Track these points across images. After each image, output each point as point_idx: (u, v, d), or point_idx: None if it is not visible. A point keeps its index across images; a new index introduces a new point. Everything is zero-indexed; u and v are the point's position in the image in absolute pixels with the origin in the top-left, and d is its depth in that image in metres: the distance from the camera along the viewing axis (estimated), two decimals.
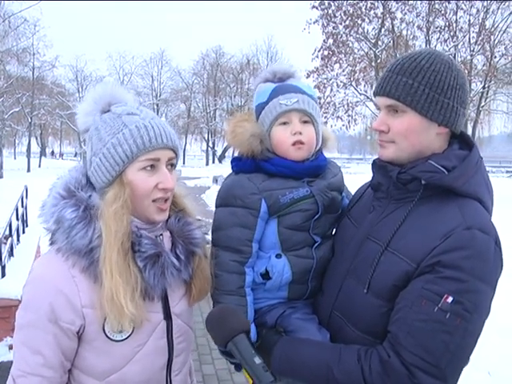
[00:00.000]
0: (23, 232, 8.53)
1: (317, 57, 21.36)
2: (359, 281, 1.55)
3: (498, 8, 20.57)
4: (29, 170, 37.39)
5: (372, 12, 20.51)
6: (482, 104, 22.94)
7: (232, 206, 1.70)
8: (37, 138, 58.35)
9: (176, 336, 1.59)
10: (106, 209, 1.44)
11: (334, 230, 1.83)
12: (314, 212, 1.71)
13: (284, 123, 1.72)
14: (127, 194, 1.46)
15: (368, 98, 21.86)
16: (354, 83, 21.49)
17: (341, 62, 21.33)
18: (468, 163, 1.50)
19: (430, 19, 20.02)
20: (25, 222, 9.00)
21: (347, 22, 20.43)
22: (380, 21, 20.60)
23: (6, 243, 6.59)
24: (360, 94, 22.09)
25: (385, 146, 1.57)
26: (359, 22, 20.48)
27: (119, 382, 1.51)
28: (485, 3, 20.03)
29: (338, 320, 1.62)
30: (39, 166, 44.42)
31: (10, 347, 5.25)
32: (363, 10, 20.35)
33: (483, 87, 21.36)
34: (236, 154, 1.85)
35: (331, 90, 21.92)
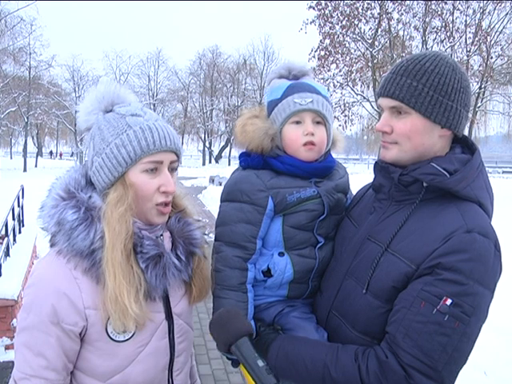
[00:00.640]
0: (19, 232, 8.50)
1: (313, 57, 21.36)
2: (358, 281, 1.56)
3: (495, 9, 20.60)
4: (25, 170, 37.23)
5: (369, 12, 20.50)
6: (479, 104, 22.97)
7: (238, 201, 1.70)
8: (33, 138, 58.24)
9: (177, 336, 1.60)
10: (109, 211, 1.44)
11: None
12: (320, 212, 1.71)
13: (297, 122, 1.72)
14: (131, 196, 1.46)
15: (364, 98, 21.89)
16: (350, 83, 21.49)
17: (337, 62, 21.31)
18: (470, 167, 1.51)
19: (427, 20, 20.05)
20: (21, 222, 8.96)
21: (344, 23, 20.42)
22: (377, 21, 20.59)
23: (1, 243, 6.58)
24: (356, 95, 22.10)
25: (388, 147, 1.57)
26: (356, 22, 20.47)
27: (122, 382, 1.51)
28: (481, 4, 20.07)
29: (336, 320, 1.63)
30: (35, 165, 44.28)
31: (7, 347, 5.23)
32: (360, 10, 20.33)
33: (479, 88, 21.37)
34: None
35: (328, 90, 21.75)
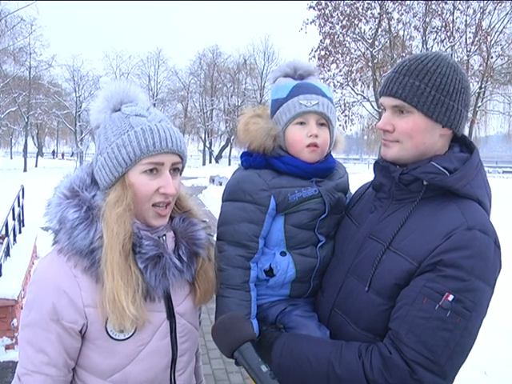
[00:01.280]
0: (19, 232, 8.50)
1: (314, 57, 21.34)
2: (360, 279, 1.58)
3: (495, 9, 20.59)
4: (25, 170, 37.28)
5: (369, 12, 20.49)
6: (479, 104, 22.94)
7: (241, 200, 1.71)
8: (33, 138, 58.25)
9: (180, 335, 1.60)
10: (108, 211, 1.45)
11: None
12: (321, 212, 1.73)
13: (301, 123, 1.73)
14: (130, 197, 1.46)
15: (365, 98, 21.88)
16: (350, 83, 21.48)
17: (338, 62, 21.30)
18: (469, 166, 1.53)
19: (427, 20, 20.04)
20: (21, 222, 8.97)
21: (344, 23, 20.41)
22: (377, 21, 20.58)
23: (2, 243, 6.58)
24: (357, 94, 22.09)
25: (389, 145, 1.59)
26: (356, 22, 20.46)
27: (123, 381, 1.51)
28: (481, 4, 20.05)
29: (338, 317, 1.64)
30: (36, 165, 44.29)
31: (7, 347, 5.24)
32: (360, 10, 20.33)
33: (480, 87, 21.36)
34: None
35: None
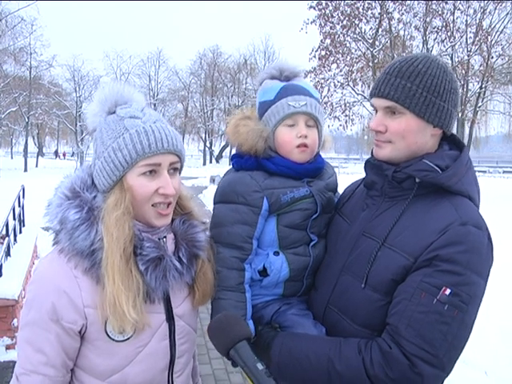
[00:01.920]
0: (20, 232, 8.51)
1: (314, 57, 21.36)
2: (356, 276, 1.60)
3: (495, 8, 20.58)
4: (26, 170, 37.31)
5: (369, 12, 20.47)
6: (479, 104, 22.91)
7: (234, 202, 1.71)
8: (34, 138, 58.25)
9: (179, 337, 1.60)
10: (107, 215, 1.44)
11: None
12: (313, 211, 1.74)
13: (290, 125, 1.74)
14: (128, 199, 1.46)
15: (365, 98, 21.85)
16: (351, 83, 21.47)
17: (338, 62, 21.30)
18: (460, 163, 1.58)
19: (428, 19, 20.01)
20: (22, 222, 8.98)
21: (344, 22, 20.40)
22: (377, 21, 20.57)
23: (2, 243, 6.58)
24: (357, 94, 22.08)
25: (381, 145, 1.62)
26: (356, 22, 20.45)
27: (121, 382, 1.51)
28: (482, 4, 20.04)
29: (334, 315, 1.66)
30: (36, 165, 44.31)
31: (7, 347, 5.24)
32: (360, 10, 20.32)
33: (480, 87, 21.35)
34: (234, 151, 1.87)
35: (328, 90, 21.91)
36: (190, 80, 56.06)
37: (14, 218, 7.89)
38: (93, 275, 1.44)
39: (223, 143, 60.05)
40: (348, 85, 21.62)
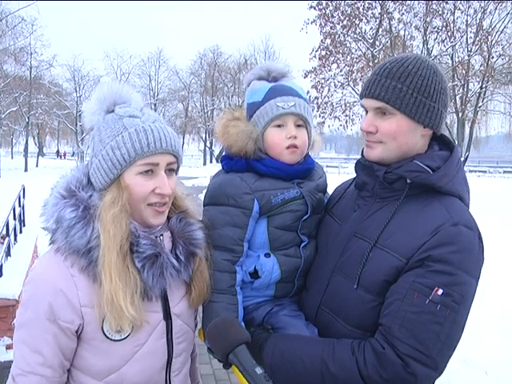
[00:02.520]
0: (20, 232, 8.52)
1: (314, 57, 21.38)
2: (347, 277, 1.61)
3: (496, 8, 20.57)
4: (26, 170, 37.31)
5: (370, 12, 20.49)
6: (480, 104, 22.91)
7: (224, 204, 1.70)
8: (34, 138, 58.23)
9: (176, 336, 1.59)
10: (104, 213, 1.44)
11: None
12: (304, 212, 1.74)
13: (279, 126, 1.73)
14: (125, 198, 1.46)
15: None
16: (351, 83, 21.47)
17: (338, 62, 21.32)
18: (450, 163, 1.59)
19: (428, 19, 20.01)
20: (22, 222, 8.98)
21: (345, 22, 20.42)
22: (378, 21, 20.58)
23: (3, 243, 6.58)
24: (357, 94, 22.05)
25: (372, 146, 1.63)
26: (357, 22, 20.46)
27: (118, 381, 1.51)
28: (482, 4, 20.03)
29: (326, 315, 1.66)
30: (36, 165, 44.32)
31: (8, 347, 5.23)
32: (361, 10, 20.33)
33: (481, 87, 21.35)
34: (223, 152, 1.86)
35: (329, 90, 21.95)
36: (191, 80, 56.03)
37: (15, 218, 7.90)
38: (89, 274, 1.44)
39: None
40: (348, 85, 21.63)
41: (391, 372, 1.42)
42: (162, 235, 1.58)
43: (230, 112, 1.85)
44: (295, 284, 1.79)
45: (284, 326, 1.68)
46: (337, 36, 20.80)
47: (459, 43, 20.32)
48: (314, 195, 1.77)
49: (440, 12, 20.05)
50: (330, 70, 21.53)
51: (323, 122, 22.11)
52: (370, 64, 20.72)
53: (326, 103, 21.86)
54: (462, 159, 16.38)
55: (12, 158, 56.58)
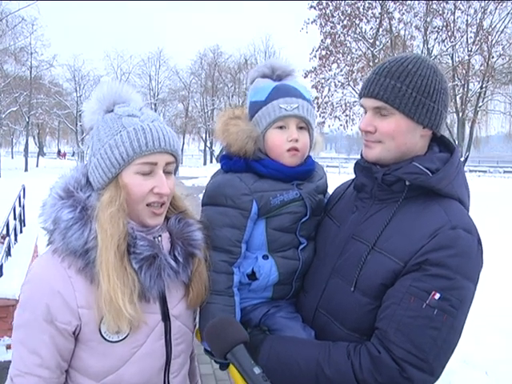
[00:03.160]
0: (21, 232, 8.52)
1: (314, 57, 21.34)
2: (345, 279, 1.59)
3: (496, 8, 20.53)
4: (26, 170, 37.29)
5: (370, 12, 20.46)
6: (480, 104, 22.87)
7: (222, 205, 1.69)
8: (34, 138, 58.19)
9: (175, 337, 1.59)
10: (101, 212, 1.44)
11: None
12: (303, 214, 1.72)
13: (280, 127, 1.71)
14: (123, 197, 1.46)
15: None
16: (351, 83, 21.44)
17: (338, 61, 21.28)
18: (450, 166, 1.56)
19: (428, 19, 19.99)
20: (22, 222, 8.99)
21: (345, 22, 20.38)
22: (378, 21, 20.55)
23: (3, 243, 6.58)
24: (358, 94, 22.04)
25: (371, 146, 1.61)
26: (357, 21, 20.43)
27: (116, 383, 1.50)
28: (482, 3, 20.01)
29: (323, 318, 1.65)
30: (37, 165, 44.30)
31: (8, 347, 5.24)
32: (361, 9, 20.30)
33: (481, 87, 21.32)
34: (223, 151, 1.84)
35: (329, 89, 21.92)
36: (191, 80, 55.98)
37: (15, 218, 7.90)
38: (87, 275, 1.44)
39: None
40: (348, 84, 21.60)
41: (386, 376, 1.41)
42: (160, 236, 1.58)
43: (231, 110, 1.83)
44: (293, 286, 1.77)
45: (281, 328, 1.67)
46: (337, 36, 20.77)
47: (459, 43, 20.29)
48: (314, 197, 1.76)
49: (440, 12, 20.02)
50: (330, 70, 21.50)
51: (323, 122, 22.10)
52: (371, 64, 20.69)
53: (326, 103, 21.84)
54: (463, 159, 16.40)
55: (12, 157, 56.53)
